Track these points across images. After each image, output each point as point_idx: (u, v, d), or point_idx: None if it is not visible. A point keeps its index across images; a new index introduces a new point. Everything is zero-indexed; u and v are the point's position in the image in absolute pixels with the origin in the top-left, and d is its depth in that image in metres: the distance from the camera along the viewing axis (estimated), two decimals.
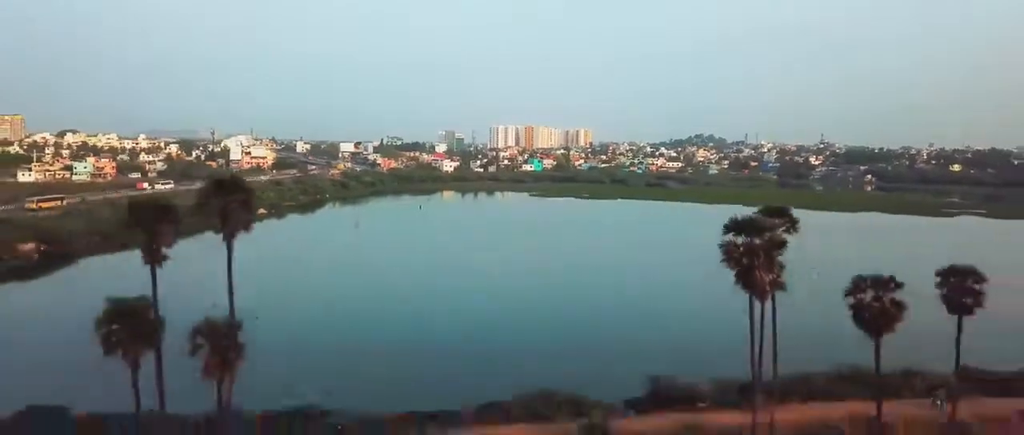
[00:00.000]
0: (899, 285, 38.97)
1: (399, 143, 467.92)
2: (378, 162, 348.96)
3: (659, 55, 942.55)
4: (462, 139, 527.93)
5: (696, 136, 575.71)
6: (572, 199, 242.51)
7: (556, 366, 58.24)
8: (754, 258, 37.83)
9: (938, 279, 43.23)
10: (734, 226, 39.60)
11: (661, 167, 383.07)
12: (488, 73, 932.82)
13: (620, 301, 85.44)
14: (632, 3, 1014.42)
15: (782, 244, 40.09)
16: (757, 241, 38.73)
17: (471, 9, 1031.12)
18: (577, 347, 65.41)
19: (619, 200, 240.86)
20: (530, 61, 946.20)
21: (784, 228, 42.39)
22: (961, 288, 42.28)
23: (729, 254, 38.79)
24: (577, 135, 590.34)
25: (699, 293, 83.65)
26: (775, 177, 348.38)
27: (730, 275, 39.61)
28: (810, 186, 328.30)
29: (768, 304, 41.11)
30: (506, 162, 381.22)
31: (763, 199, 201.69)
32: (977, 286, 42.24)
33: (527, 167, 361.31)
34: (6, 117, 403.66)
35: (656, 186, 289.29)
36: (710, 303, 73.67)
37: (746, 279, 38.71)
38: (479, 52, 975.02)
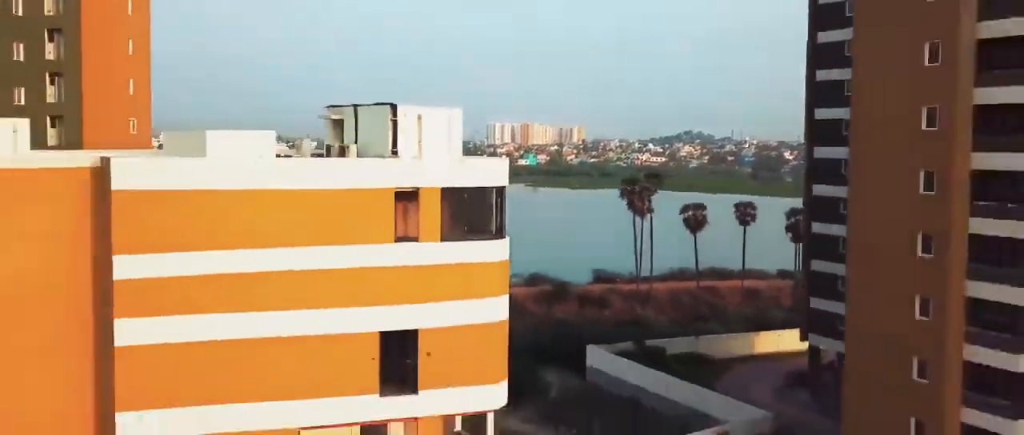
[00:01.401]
0: (705, 208, 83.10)
1: None
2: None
3: (655, 55, 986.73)
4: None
5: (684, 133, 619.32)
6: (563, 190, 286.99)
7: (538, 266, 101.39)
8: (632, 193, 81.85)
9: (734, 207, 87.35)
10: (625, 181, 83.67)
11: (646, 162, 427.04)
12: (486, 71, 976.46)
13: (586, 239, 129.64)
14: (630, 4, 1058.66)
15: (651, 189, 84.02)
16: (636, 183, 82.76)
17: (470, 9, 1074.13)
18: (553, 257, 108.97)
19: (604, 190, 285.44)
20: (527, 59, 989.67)
21: (656, 180, 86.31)
22: (743, 213, 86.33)
23: (623, 191, 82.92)
24: (571, 132, 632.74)
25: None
26: (749, 171, 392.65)
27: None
28: (781, 178, 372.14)
29: (648, 224, 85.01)
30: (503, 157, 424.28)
31: (727, 189, 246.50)
32: (751, 211, 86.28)
33: (523, 162, 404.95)
34: None
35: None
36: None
37: (631, 204, 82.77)
38: (477, 51, 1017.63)
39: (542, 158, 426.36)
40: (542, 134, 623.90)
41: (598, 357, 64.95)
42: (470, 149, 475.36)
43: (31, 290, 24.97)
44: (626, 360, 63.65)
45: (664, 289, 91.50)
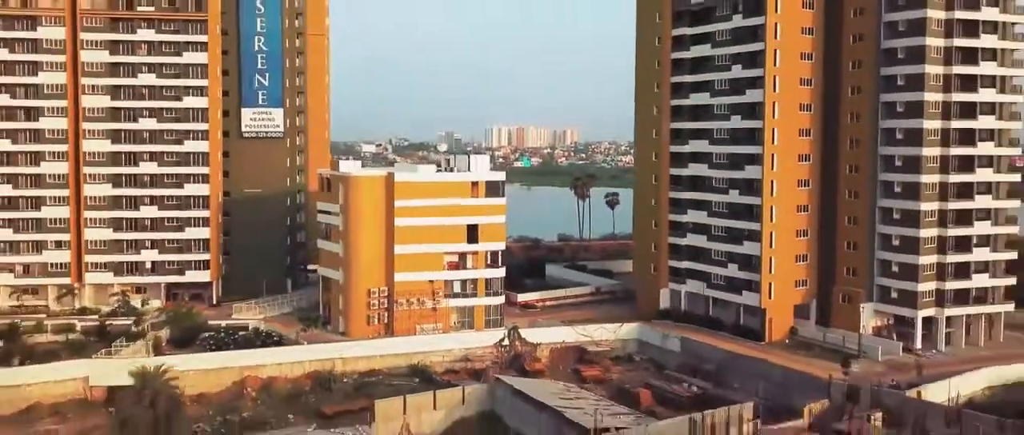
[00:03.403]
0: (618, 194, 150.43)
1: (407, 144, 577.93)
2: (397, 161, 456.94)
3: None
4: (460, 139, 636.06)
5: None
6: (551, 188, 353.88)
7: (523, 232, 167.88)
8: (578, 186, 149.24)
9: None
10: (575, 178, 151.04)
11: (629, 163, 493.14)
12: (484, 74, 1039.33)
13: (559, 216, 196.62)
14: (630, 7, 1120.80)
15: (588, 184, 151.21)
16: (580, 179, 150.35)
17: (469, 13, 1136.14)
18: (534, 227, 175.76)
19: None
20: (525, 61, 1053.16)
21: (591, 179, 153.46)
22: None
23: (572, 184, 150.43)
24: (564, 134, 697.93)
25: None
26: None
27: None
28: None
29: (587, 205, 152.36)
30: (500, 159, 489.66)
31: None
32: None
33: (518, 164, 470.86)
34: None
35: (616, 178, 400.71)
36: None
37: (576, 192, 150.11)
38: (476, 54, 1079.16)
39: (536, 160, 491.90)
40: (536, 136, 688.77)
41: (552, 269, 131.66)
42: (469, 150, 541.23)
43: (374, 205, 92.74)
44: (565, 268, 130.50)
45: (598, 245, 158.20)
